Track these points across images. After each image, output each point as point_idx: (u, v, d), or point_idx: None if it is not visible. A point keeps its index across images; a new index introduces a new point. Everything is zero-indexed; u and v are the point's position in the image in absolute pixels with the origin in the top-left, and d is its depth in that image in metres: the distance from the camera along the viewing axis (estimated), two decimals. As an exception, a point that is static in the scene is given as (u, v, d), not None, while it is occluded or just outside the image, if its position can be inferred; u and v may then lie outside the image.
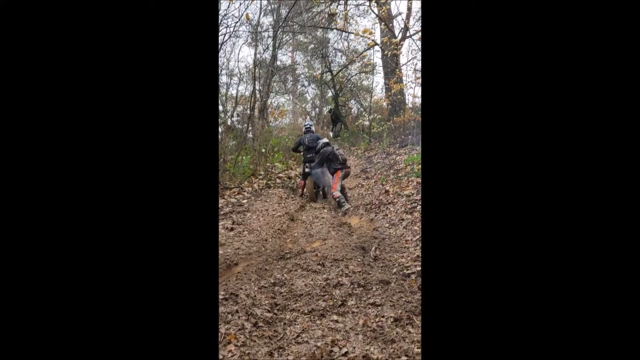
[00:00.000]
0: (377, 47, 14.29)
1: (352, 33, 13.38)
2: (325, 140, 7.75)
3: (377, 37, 14.16)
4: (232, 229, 5.26)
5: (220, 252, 4.44)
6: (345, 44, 15.89)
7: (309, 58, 16.47)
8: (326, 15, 13.16)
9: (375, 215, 5.94)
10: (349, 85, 16.23)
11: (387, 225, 5.37)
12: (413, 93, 13.65)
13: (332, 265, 4.13)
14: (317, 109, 17.68)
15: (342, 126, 15.29)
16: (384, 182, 7.78)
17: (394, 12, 13.87)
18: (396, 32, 13.28)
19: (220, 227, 5.34)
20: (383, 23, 12.68)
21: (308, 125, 8.38)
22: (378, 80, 26.46)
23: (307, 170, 7.63)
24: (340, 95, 15.84)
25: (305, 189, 7.76)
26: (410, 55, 13.96)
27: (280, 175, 8.95)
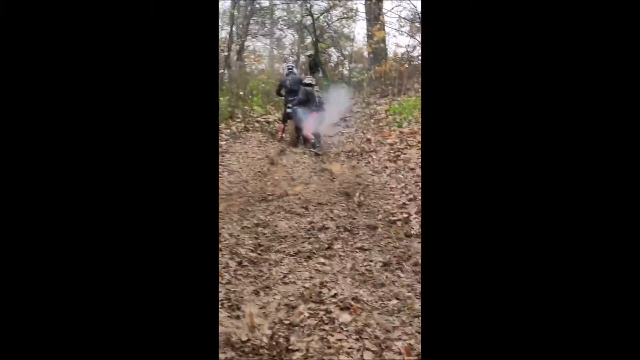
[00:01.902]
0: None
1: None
2: (309, 79, 7.61)
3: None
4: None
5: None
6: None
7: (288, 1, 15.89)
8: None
9: (358, 163, 5.84)
10: (330, 32, 15.77)
11: (370, 172, 5.28)
12: (396, 42, 13.36)
13: (315, 209, 4.04)
14: (295, 55, 17.21)
15: (322, 74, 14.96)
16: (364, 131, 7.66)
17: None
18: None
19: (198, 166, 5.17)
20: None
21: (290, 67, 8.12)
22: (360, 28, 25.94)
23: (288, 110, 7.40)
24: (320, 41, 15.42)
25: (285, 133, 7.58)
26: (395, 2, 13.52)
27: (259, 119, 8.70)
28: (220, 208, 3.99)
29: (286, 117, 7.56)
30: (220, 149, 6.01)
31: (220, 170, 5.04)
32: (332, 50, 16.54)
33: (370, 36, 13.61)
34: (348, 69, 14.48)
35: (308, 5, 14.48)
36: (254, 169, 5.33)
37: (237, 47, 10.90)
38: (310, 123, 6.92)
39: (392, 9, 13.68)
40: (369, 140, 6.86)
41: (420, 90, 9.28)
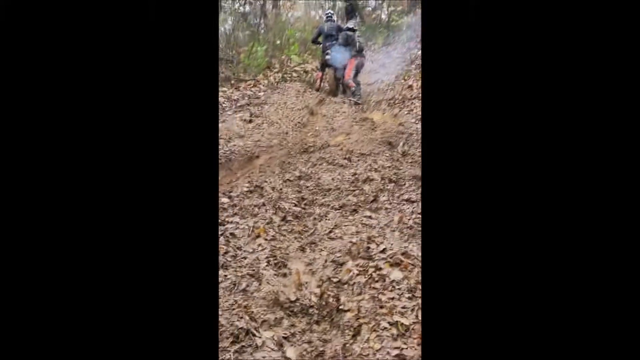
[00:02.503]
0: None
1: None
2: (351, 23, 7.25)
3: None
4: (250, 121, 5.00)
5: (240, 143, 4.22)
6: None
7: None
8: None
9: (400, 111, 5.61)
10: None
11: (413, 120, 5.06)
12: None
13: (359, 160, 3.90)
14: (332, 1, 16.66)
15: (359, 19, 14.46)
16: (406, 77, 7.37)
17: None
18: None
19: (237, 119, 5.09)
20: None
21: (329, 14, 7.81)
22: None
23: (327, 57, 7.10)
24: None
25: (324, 82, 7.37)
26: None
27: (297, 68, 8.50)
28: (261, 161, 3.92)
29: (324, 65, 7.30)
30: (258, 100, 5.90)
31: (259, 122, 4.95)
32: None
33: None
34: (387, 12, 13.91)
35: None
36: (293, 119, 5.20)
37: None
38: (350, 70, 6.68)
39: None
40: (410, 87, 6.60)
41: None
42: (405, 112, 5.45)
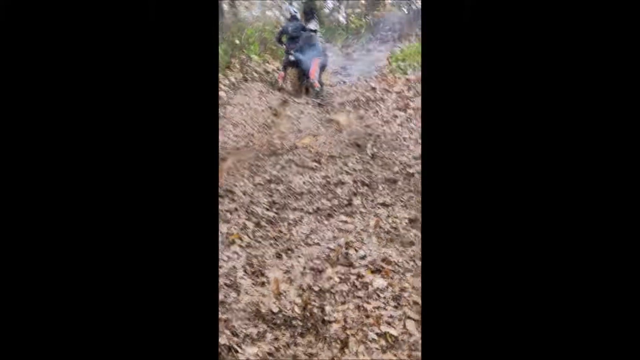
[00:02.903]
0: None
1: None
2: (313, 25, 7.35)
3: None
4: (214, 123, 4.82)
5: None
6: None
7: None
8: None
9: (365, 112, 5.58)
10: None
11: (379, 122, 5.04)
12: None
13: (328, 162, 3.83)
14: (287, 1, 16.56)
15: (317, 21, 14.41)
16: (367, 79, 7.37)
17: None
18: None
19: (200, 120, 4.90)
20: None
21: (294, 12, 7.81)
22: None
23: (291, 58, 7.07)
24: (315, -14, 14.79)
25: (286, 82, 7.28)
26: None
27: (257, 68, 8.34)
28: (229, 163, 3.79)
29: (287, 65, 7.24)
30: (220, 101, 5.74)
31: (223, 122, 4.80)
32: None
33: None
34: (345, 15, 13.92)
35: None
36: (257, 121, 5.08)
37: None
38: (314, 70, 6.69)
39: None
40: (373, 88, 6.59)
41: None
42: (371, 114, 5.41)
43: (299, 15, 7.92)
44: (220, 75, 7.10)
